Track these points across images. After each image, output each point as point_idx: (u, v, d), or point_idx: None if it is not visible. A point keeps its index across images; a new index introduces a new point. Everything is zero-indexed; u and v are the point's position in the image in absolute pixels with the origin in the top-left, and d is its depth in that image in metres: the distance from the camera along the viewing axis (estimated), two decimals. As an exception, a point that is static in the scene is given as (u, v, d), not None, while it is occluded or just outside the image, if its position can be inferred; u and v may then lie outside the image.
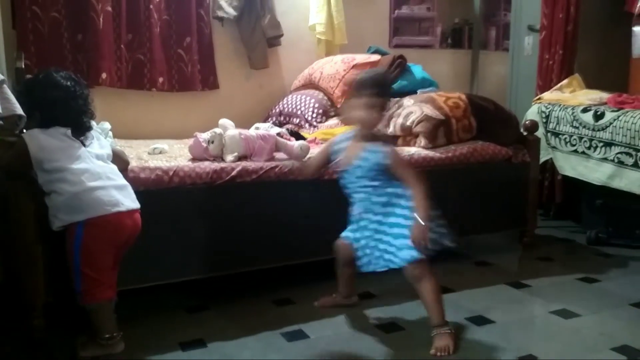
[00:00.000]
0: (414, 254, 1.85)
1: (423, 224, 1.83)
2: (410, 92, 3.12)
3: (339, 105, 3.21)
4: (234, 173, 2.15)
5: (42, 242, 1.80)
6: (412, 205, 1.87)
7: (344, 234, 2.06)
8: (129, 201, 1.79)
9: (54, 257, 1.80)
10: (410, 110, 2.76)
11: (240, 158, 2.22)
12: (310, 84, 3.40)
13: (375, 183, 1.92)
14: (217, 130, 2.24)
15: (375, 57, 3.34)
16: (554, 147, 3.12)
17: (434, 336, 1.88)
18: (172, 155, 2.32)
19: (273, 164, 2.24)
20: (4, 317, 2.02)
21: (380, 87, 1.91)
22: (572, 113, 2.98)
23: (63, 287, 1.77)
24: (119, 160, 1.92)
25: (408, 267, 1.87)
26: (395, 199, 1.92)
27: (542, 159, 3.07)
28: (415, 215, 1.85)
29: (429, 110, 2.72)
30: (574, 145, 2.98)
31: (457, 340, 1.91)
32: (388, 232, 1.92)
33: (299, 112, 3.19)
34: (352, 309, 2.18)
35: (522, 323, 2.14)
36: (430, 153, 2.62)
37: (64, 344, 1.84)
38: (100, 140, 1.88)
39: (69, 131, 1.74)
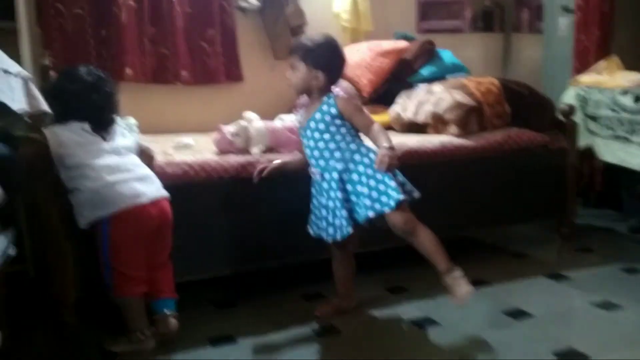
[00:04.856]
0: (394, 196, 1.80)
1: (389, 147, 1.81)
2: (439, 78, 3.03)
3: (365, 94, 3.15)
4: (259, 165, 2.11)
5: (71, 238, 1.80)
6: (373, 138, 1.87)
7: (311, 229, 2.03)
8: (152, 190, 1.79)
9: (84, 252, 1.81)
10: (440, 97, 2.68)
11: (266, 150, 2.19)
12: (335, 73, 3.34)
13: (334, 137, 1.91)
14: (243, 122, 2.21)
15: (403, 43, 3.26)
16: (593, 132, 2.99)
17: (450, 284, 1.83)
18: (197, 149, 2.30)
19: (300, 155, 2.19)
20: (37, 312, 2.04)
21: (298, 49, 1.94)
22: (611, 96, 2.86)
23: (94, 282, 1.78)
24: (144, 155, 1.92)
25: (395, 216, 1.83)
26: (356, 155, 1.90)
27: (581, 144, 2.95)
28: (380, 145, 1.83)
29: (459, 96, 2.64)
30: (613, 130, 2.86)
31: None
32: (356, 183, 1.88)
33: (325, 102, 3.14)
34: (385, 305, 2.13)
35: (562, 316, 2.09)
36: (462, 141, 2.54)
37: (96, 339, 1.85)
38: (124, 134, 1.88)
39: (86, 125, 1.76)
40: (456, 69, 3.20)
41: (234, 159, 2.11)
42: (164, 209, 1.81)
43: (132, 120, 2.38)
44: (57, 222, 1.78)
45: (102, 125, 1.79)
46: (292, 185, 2.15)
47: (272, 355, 1.81)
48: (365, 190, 1.85)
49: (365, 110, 2.00)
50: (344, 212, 1.87)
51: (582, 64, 3.37)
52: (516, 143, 2.65)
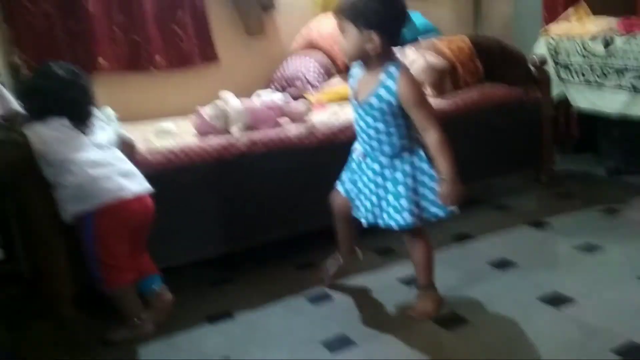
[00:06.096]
0: (408, 220, 1.72)
1: (451, 179, 1.65)
2: (412, 41, 3.04)
3: (339, 64, 3.15)
4: (241, 145, 2.14)
5: (63, 233, 1.81)
6: (432, 157, 1.69)
7: (339, 184, 1.92)
8: (135, 185, 1.79)
9: (77, 247, 1.80)
10: (413, 59, 2.70)
11: (246, 129, 2.21)
12: (309, 45, 3.33)
13: (388, 129, 1.71)
14: (219, 103, 2.22)
15: (373, 9, 3.24)
16: (565, 80, 3.03)
17: (417, 296, 1.83)
18: (178, 133, 2.31)
19: (280, 131, 2.22)
20: (35, 310, 2.05)
21: (345, 9, 1.65)
22: (581, 42, 2.89)
23: (89, 275, 1.79)
24: (125, 145, 1.92)
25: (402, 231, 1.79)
26: (406, 154, 1.73)
27: (554, 93, 2.99)
28: (441, 171, 1.67)
29: (432, 58, 2.66)
30: (584, 76, 2.90)
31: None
32: (389, 189, 1.75)
33: (300, 75, 3.14)
34: (374, 267, 2.18)
35: (546, 262, 2.14)
36: (438, 102, 2.57)
37: (96, 330, 1.88)
38: (103, 127, 1.88)
39: (66, 121, 1.75)
40: (427, 30, 3.20)
41: (215, 141, 2.12)
42: (146, 203, 1.81)
43: (110, 111, 2.38)
44: (46, 219, 1.78)
45: (81, 119, 1.78)
46: (273, 160, 2.18)
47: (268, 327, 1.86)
48: (390, 198, 1.74)
49: (429, 106, 1.72)
50: (367, 203, 1.81)
51: (552, 14, 3.37)
52: (491, 99, 2.68)
